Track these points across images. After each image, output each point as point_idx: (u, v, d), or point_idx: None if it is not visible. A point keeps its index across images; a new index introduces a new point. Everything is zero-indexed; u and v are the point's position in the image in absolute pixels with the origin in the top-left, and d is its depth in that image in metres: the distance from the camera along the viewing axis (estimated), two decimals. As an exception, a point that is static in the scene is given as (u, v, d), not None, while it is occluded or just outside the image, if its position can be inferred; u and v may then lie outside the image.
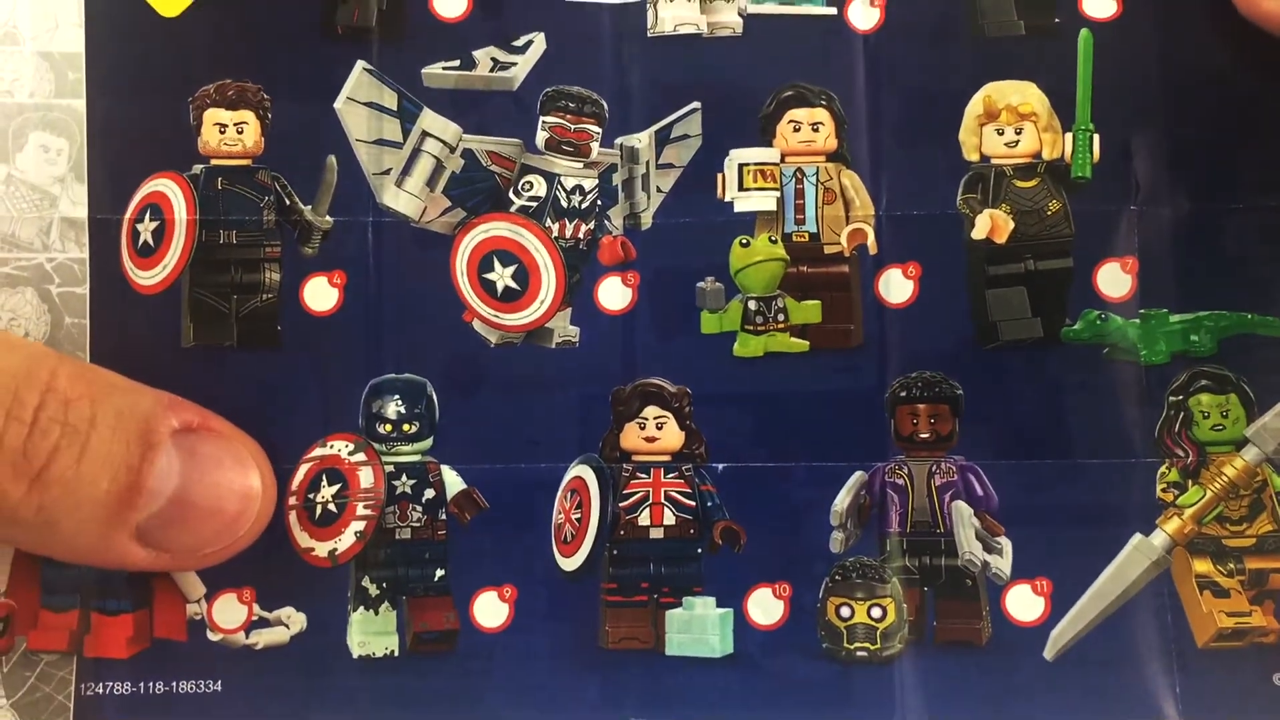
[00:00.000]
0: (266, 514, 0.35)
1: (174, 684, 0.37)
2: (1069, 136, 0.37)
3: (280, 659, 0.37)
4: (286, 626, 0.36)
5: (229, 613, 0.37)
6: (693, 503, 0.37)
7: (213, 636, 0.37)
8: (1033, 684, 0.35)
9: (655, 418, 0.37)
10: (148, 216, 0.37)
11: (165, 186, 0.37)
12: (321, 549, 0.36)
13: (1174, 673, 0.35)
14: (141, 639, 0.37)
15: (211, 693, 0.36)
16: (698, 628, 0.36)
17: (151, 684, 0.36)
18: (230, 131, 0.37)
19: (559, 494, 0.36)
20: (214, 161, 0.38)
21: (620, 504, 0.37)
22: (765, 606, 0.36)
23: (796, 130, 0.37)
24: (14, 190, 0.37)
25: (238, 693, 0.37)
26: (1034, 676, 0.35)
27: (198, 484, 0.32)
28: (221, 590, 0.37)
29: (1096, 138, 0.37)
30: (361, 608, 0.37)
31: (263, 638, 0.37)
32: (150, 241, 0.37)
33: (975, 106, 0.37)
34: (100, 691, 0.36)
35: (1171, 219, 0.37)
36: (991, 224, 0.37)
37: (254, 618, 0.37)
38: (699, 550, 0.37)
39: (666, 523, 0.37)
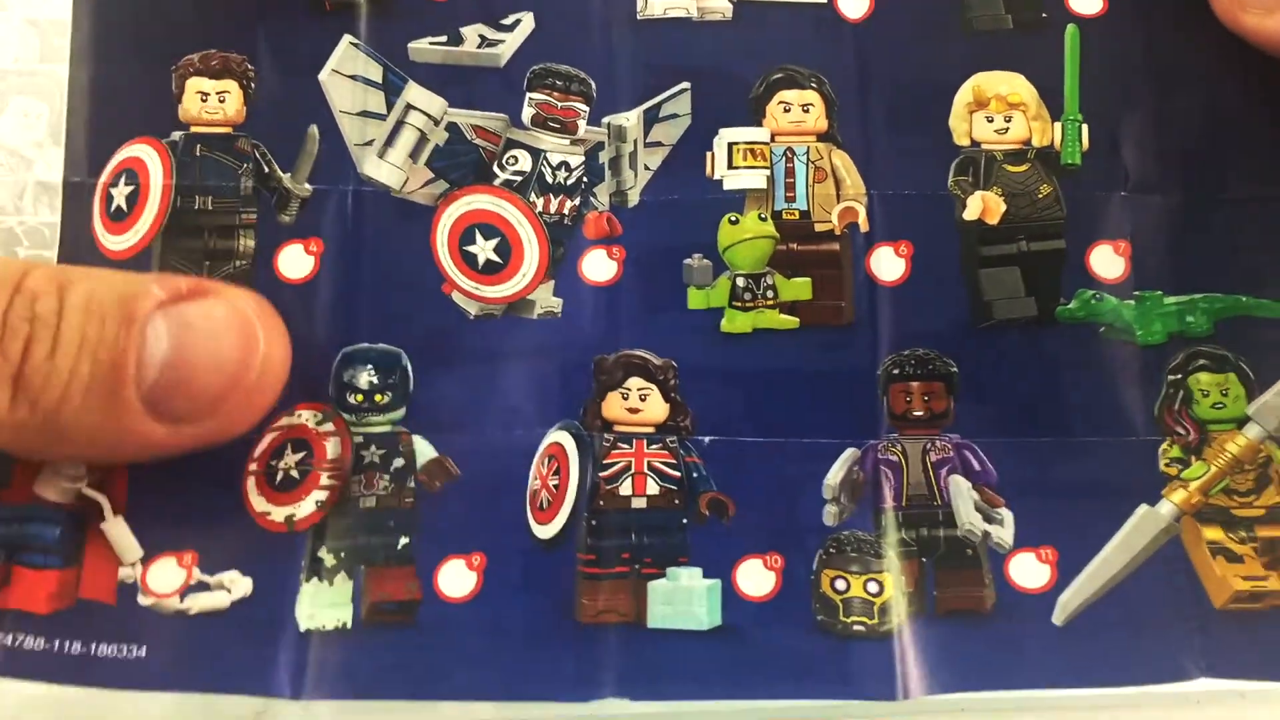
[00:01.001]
0: (279, 366, 0.36)
1: (93, 646, 0.37)
2: (1058, 125, 0.39)
3: (215, 626, 0.37)
4: (227, 591, 0.37)
5: (165, 576, 0.37)
6: (678, 474, 0.38)
7: (144, 600, 0.37)
8: (1044, 649, 0.36)
9: (639, 389, 0.38)
10: (122, 181, 0.39)
11: (142, 151, 0.39)
12: (278, 514, 0.37)
13: (1194, 634, 0.36)
14: (65, 597, 0.37)
15: (134, 658, 0.37)
16: (682, 599, 0.36)
17: (69, 644, 0.37)
18: (212, 100, 0.40)
19: (535, 460, 0.37)
20: (194, 129, 0.39)
21: (601, 473, 0.37)
22: (755, 578, 0.37)
23: (787, 111, 0.40)
24: (-12, 154, 0.39)
25: (163, 659, 0.37)
26: (1045, 642, 0.36)
27: (192, 346, 0.34)
28: (161, 553, 0.38)
29: (1085, 127, 0.39)
30: (315, 578, 0.37)
31: (198, 602, 0.37)
32: (124, 206, 0.39)
33: (965, 95, 0.40)
34: (9, 644, 0.36)
35: (1162, 205, 0.39)
36: (984, 205, 0.39)
37: (192, 582, 0.36)
38: (684, 521, 0.38)
39: (650, 493, 0.38)
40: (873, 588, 0.37)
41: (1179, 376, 0.39)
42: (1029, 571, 0.37)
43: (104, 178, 0.40)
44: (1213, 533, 0.37)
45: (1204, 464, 0.38)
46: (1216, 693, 0.37)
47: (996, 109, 0.41)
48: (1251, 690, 0.36)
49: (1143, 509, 0.37)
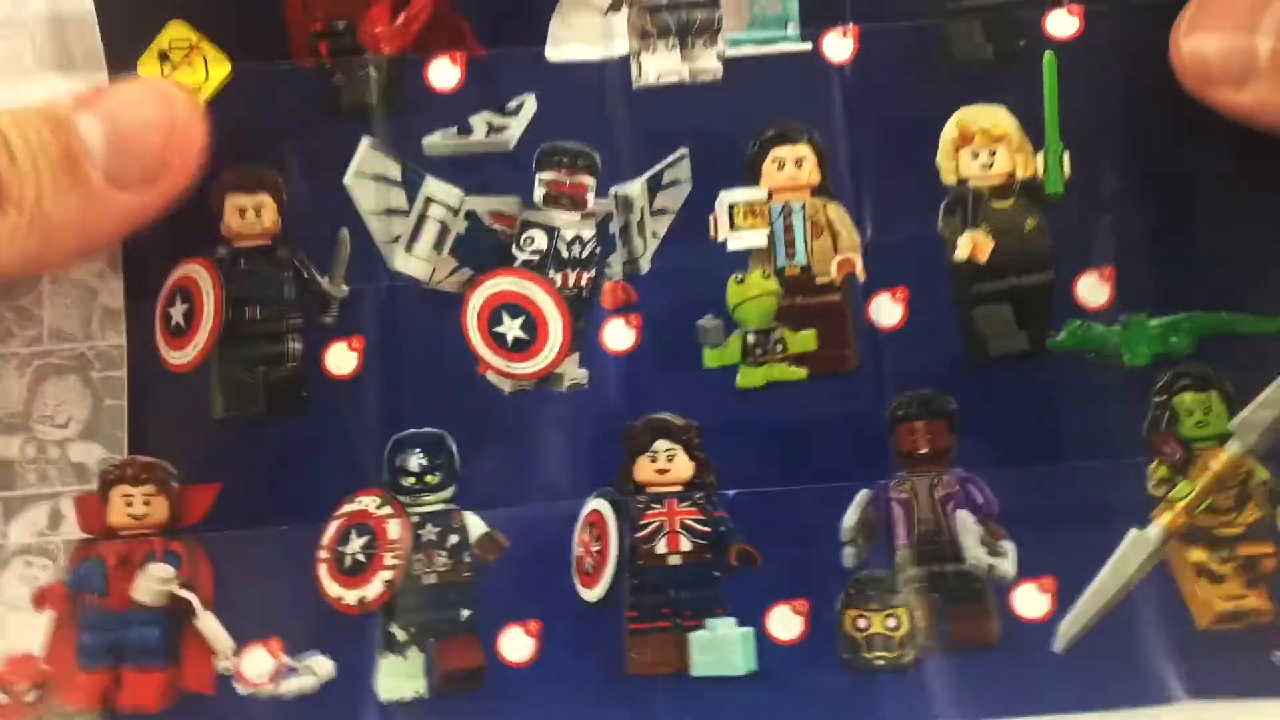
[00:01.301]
0: (197, 115, 0.41)
1: None
2: (1040, 155, 0.42)
3: (308, 706, 0.42)
4: (315, 675, 0.41)
5: (256, 664, 0.42)
6: (708, 529, 0.42)
7: (240, 689, 0.42)
8: (1047, 676, 0.40)
9: (665, 450, 0.42)
10: (178, 299, 0.43)
11: (194, 271, 0.43)
12: (350, 597, 0.41)
13: (1178, 656, 0.40)
14: (171, 694, 0.42)
15: None
16: (721, 648, 0.41)
17: None
18: (250, 214, 0.44)
19: (577, 528, 0.42)
20: (237, 244, 0.44)
21: (637, 534, 0.42)
22: (785, 623, 0.41)
23: (781, 168, 0.43)
24: (60, 289, 0.44)
25: None
26: (1047, 669, 0.40)
27: (123, 118, 0.39)
28: (249, 643, 0.42)
29: (1067, 155, 0.42)
30: (389, 653, 0.42)
31: (291, 687, 0.42)
32: (181, 323, 0.43)
33: (950, 131, 0.43)
34: None
35: (1143, 227, 0.42)
36: (973, 245, 0.42)
37: (282, 668, 0.41)
38: (716, 574, 0.42)
39: (683, 549, 0.42)
40: (891, 623, 0.41)
41: (1164, 397, 0.42)
42: (1031, 601, 0.42)
43: (161, 298, 0.44)
44: (1196, 554, 0.41)
45: (1189, 483, 0.41)
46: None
47: (981, 143, 0.44)
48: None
49: (1133, 533, 0.41)
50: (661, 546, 0.42)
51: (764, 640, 0.42)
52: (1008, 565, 0.41)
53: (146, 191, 0.40)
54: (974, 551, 0.41)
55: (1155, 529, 0.41)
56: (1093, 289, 0.42)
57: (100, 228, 0.40)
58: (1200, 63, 0.40)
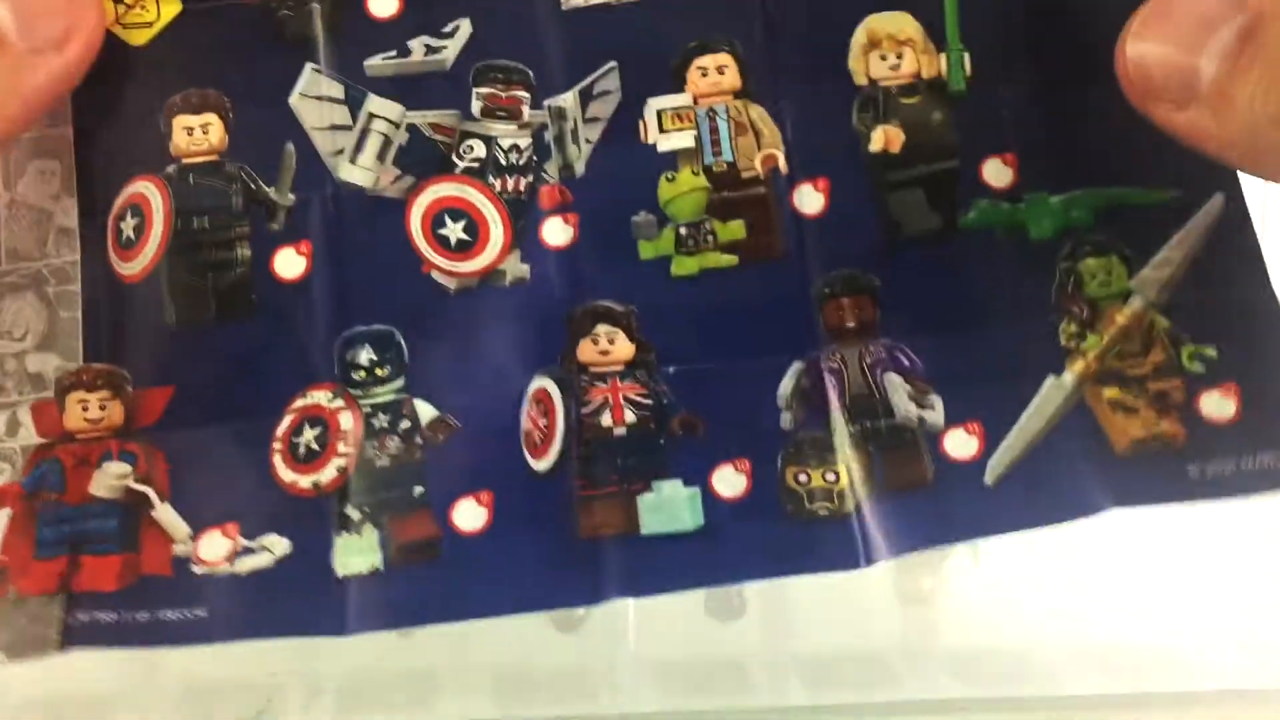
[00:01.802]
0: None
1: (159, 612, 0.43)
2: (943, 56, 0.47)
3: (264, 582, 0.44)
4: (270, 552, 0.43)
5: (213, 547, 0.44)
6: (650, 402, 0.45)
7: (197, 569, 0.44)
8: (979, 507, 0.43)
9: (606, 333, 0.45)
10: (129, 215, 0.46)
11: (143, 187, 0.46)
12: (305, 481, 0.44)
13: (1102, 476, 0.43)
14: (129, 576, 0.44)
15: (196, 618, 0.43)
16: (668, 507, 0.44)
17: (137, 613, 0.43)
18: (197, 133, 0.47)
19: (525, 406, 0.45)
20: (185, 161, 0.47)
21: (583, 410, 0.45)
22: (729, 481, 0.44)
23: (704, 75, 0.47)
24: (16, 213, 0.46)
25: (221, 616, 0.43)
26: (979, 501, 0.43)
27: None
28: (206, 528, 0.44)
29: (967, 56, 0.47)
30: (344, 532, 0.44)
31: (246, 564, 0.44)
32: (132, 236, 0.46)
33: (859, 37, 0.47)
34: (86, 620, 0.43)
35: (1040, 117, 0.46)
36: (885, 137, 0.47)
37: (238, 548, 0.43)
38: (661, 442, 0.45)
39: (628, 421, 0.45)
40: (830, 477, 0.45)
41: (1069, 264, 0.46)
42: (960, 444, 0.45)
43: (113, 214, 0.47)
44: (1111, 392, 0.45)
45: (1098, 336, 0.46)
46: (1220, 693, 0.43)
47: (888, 47, 0.48)
48: (1251, 691, 0.44)
49: (1050, 379, 0.45)
50: (607, 420, 0.45)
51: (709, 498, 0.44)
52: (936, 416, 0.45)
53: (65, 51, 0.43)
54: (904, 406, 0.45)
55: (1070, 375, 0.44)
56: (997, 172, 0.46)
57: (32, 90, 0.43)
58: (1143, 74, 0.42)
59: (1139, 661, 0.48)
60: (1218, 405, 0.44)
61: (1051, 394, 0.44)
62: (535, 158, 0.47)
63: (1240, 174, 0.45)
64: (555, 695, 0.47)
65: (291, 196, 0.46)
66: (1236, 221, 0.45)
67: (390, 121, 0.47)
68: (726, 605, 0.53)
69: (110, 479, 0.44)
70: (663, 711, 0.44)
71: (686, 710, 0.45)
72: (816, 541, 0.43)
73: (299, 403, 0.45)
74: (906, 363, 0.45)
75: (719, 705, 0.46)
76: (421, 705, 0.46)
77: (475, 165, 0.47)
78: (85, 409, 0.45)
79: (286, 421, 0.44)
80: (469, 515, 0.43)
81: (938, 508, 0.43)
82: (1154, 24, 0.41)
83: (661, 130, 0.47)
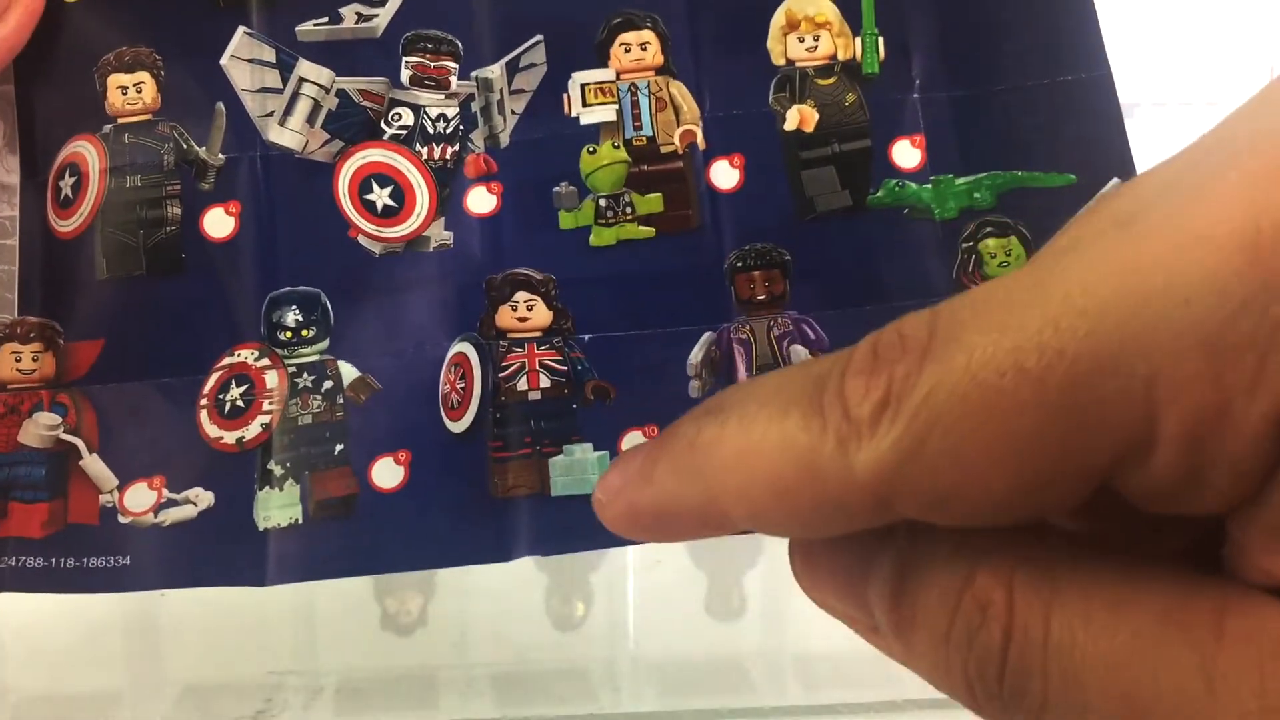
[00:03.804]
0: None
1: (84, 560, 0.45)
2: (858, 40, 0.49)
3: (187, 533, 0.45)
4: (194, 504, 0.45)
5: (139, 498, 0.45)
6: (564, 368, 0.47)
7: (123, 519, 0.45)
8: None
9: (525, 300, 0.47)
10: (67, 174, 0.47)
11: (81, 146, 0.47)
12: (229, 437, 0.45)
13: None
14: (56, 523, 0.45)
15: (120, 566, 0.45)
16: (578, 469, 0.46)
17: (63, 560, 0.45)
18: (131, 92, 0.48)
19: (443, 368, 0.46)
20: (120, 120, 0.48)
21: (500, 374, 0.46)
22: (637, 445, 0.46)
23: (628, 51, 0.49)
24: (-42, 168, 0.47)
25: (144, 564, 0.45)
26: None
27: None
28: (133, 480, 0.46)
29: (881, 40, 0.49)
30: (267, 487, 0.45)
31: (170, 515, 0.45)
32: (70, 194, 0.47)
33: (778, 19, 0.49)
34: (13, 564, 0.45)
35: (948, 101, 0.48)
36: (800, 116, 0.48)
37: (163, 500, 0.45)
38: (574, 406, 0.46)
39: (543, 386, 0.47)
40: (734, 442, 0.47)
41: (971, 244, 0.48)
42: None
43: (52, 172, 0.48)
44: None
45: (994, 312, 0.48)
46: None
47: (806, 30, 0.50)
48: None
49: None
50: (522, 384, 0.47)
51: None
52: (836, 387, 0.47)
53: (6, 19, 0.45)
54: (806, 377, 0.47)
55: (965, 349, 0.47)
56: (906, 153, 0.48)
57: None
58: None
59: None
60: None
61: (949, 365, 0.45)
62: (462, 127, 0.48)
63: (1135, 160, 0.47)
64: (555, 695, 0.48)
65: (221, 157, 0.47)
66: (1130, 207, 0.47)
67: (320, 86, 0.48)
68: (726, 605, 0.54)
69: (40, 429, 0.45)
70: (663, 711, 0.46)
71: (686, 710, 0.46)
72: None
73: (226, 360, 0.46)
74: (812, 335, 0.47)
75: (719, 705, 0.47)
76: (421, 705, 0.47)
77: (403, 133, 0.48)
78: (18, 360, 0.46)
79: (214, 378, 0.46)
80: (387, 473, 0.45)
81: None
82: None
83: (585, 104, 0.48)
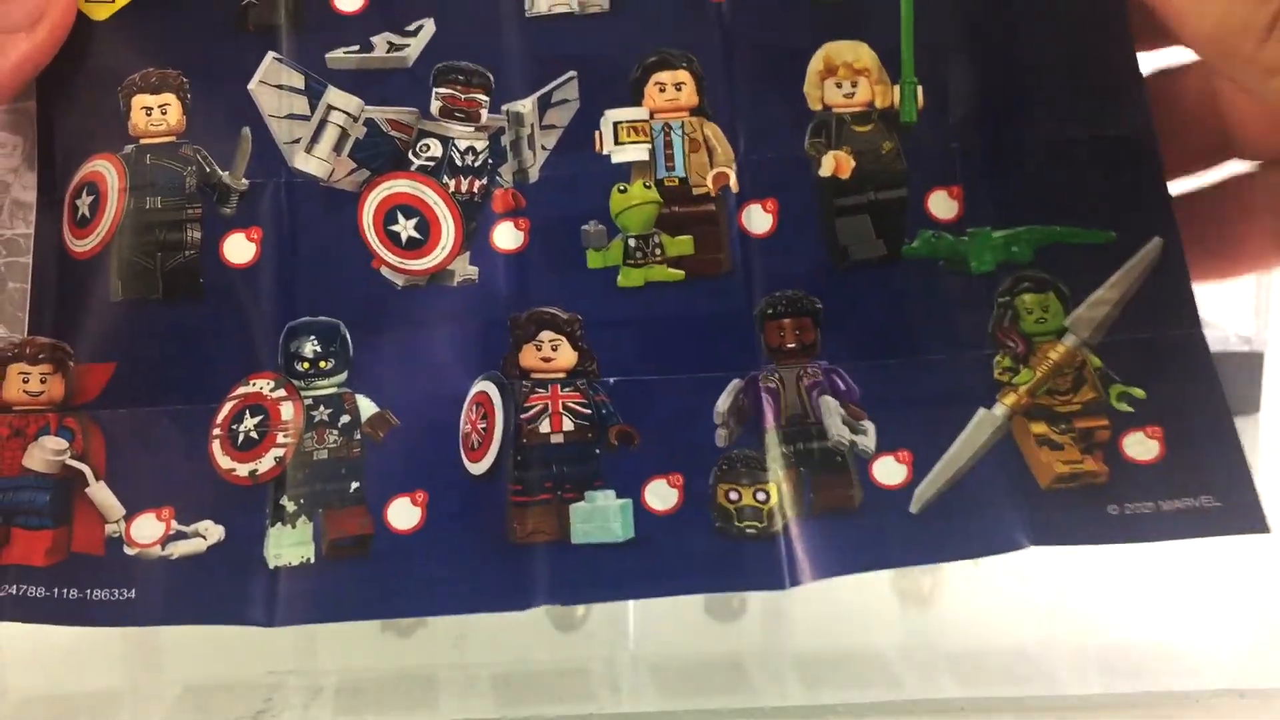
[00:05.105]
0: None
1: (88, 591, 0.43)
2: (897, 88, 0.48)
3: (195, 568, 0.43)
4: (204, 538, 0.43)
5: (146, 529, 0.44)
6: (589, 411, 0.45)
7: (129, 551, 0.44)
8: (903, 535, 0.44)
9: (550, 340, 0.46)
10: (85, 193, 0.45)
11: (101, 165, 0.46)
12: (242, 469, 0.44)
13: (1023, 511, 0.44)
14: (60, 552, 0.44)
15: (125, 599, 0.43)
16: (600, 517, 0.44)
17: (66, 590, 0.43)
18: (155, 113, 0.46)
19: (465, 407, 0.45)
20: (143, 141, 0.46)
21: (522, 415, 0.45)
22: (661, 495, 0.44)
23: (662, 91, 0.48)
24: (-30, 183, 0.46)
25: (151, 599, 0.43)
26: (904, 529, 0.44)
27: None
28: (140, 510, 0.44)
29: (920, 88, 0.47)
30: (279, 523, 0.44)
31: (179, 548, 0.43)
32: (87, 214, 0.45)
33: (816, 64, 0.48)
34: (14, 593, 0.43)
35: (987, 153, 0.47)
36: (836, 163, 0.47)
37: (171, 532, 0.43)
38: (597, 451, 0.45)
39: (566, 429, 0.45)
40: (761, 496, 0.45)
41: (1007, 298, 0.47)
42: (889, 471, 0.46)
43: (69, 190, 0.46)
44: (1038, 427, 0.46)
45: (1030, 371, 0.46)
46: (1220, 693, 0.44)
47: (844, 76, 0.49)
48: (1251, 691, 0.44)
49: (981, 411, 0.46)
50: (545, 426, 0.46)
51: (641, 510, 0.45)
52: (868, 441, 0.45)
53: (35, 33, 0.44)
54: (837, 429, 0.45)
55: (1000, 408, 0.45)
56: (943, 204, 0.47)
57: (3, 69, 0.44)
58: None
59: (1139, 661, 0.49)
60: (1142, 446, 0.45)
61: (981, 426, 0.44)
62: (490, 161, 0.47)
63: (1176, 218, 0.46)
64: (555, 695, 0.47)
65: (245, 182, 0.46)
66: (1172, 265, 0.46)
67: (348, 114, 0.47)
68: (726, 605, 0.53)
69: (46, 453, 0.44)
70: (663, 711, 0.45)
71: (686, 710, 0.45)
72: (743, 560, 0.43)
73: (241, 390, 0.44)
74: (843, 386, 0.45)
75: (719, 705, 0.46)
76: (421, 705, 0.46)
77: (430, 164, 0.47)
78: (26, 381, 0.45)
79: (227, 408, 0.44)
80: (403, 514, 0.44)
81: (864, 534, 0.44)
82: None
83: (617, 142, 0.47)
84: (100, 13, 0.47)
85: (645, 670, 0.50)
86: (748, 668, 0.51)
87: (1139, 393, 0.45)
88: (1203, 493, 0.44)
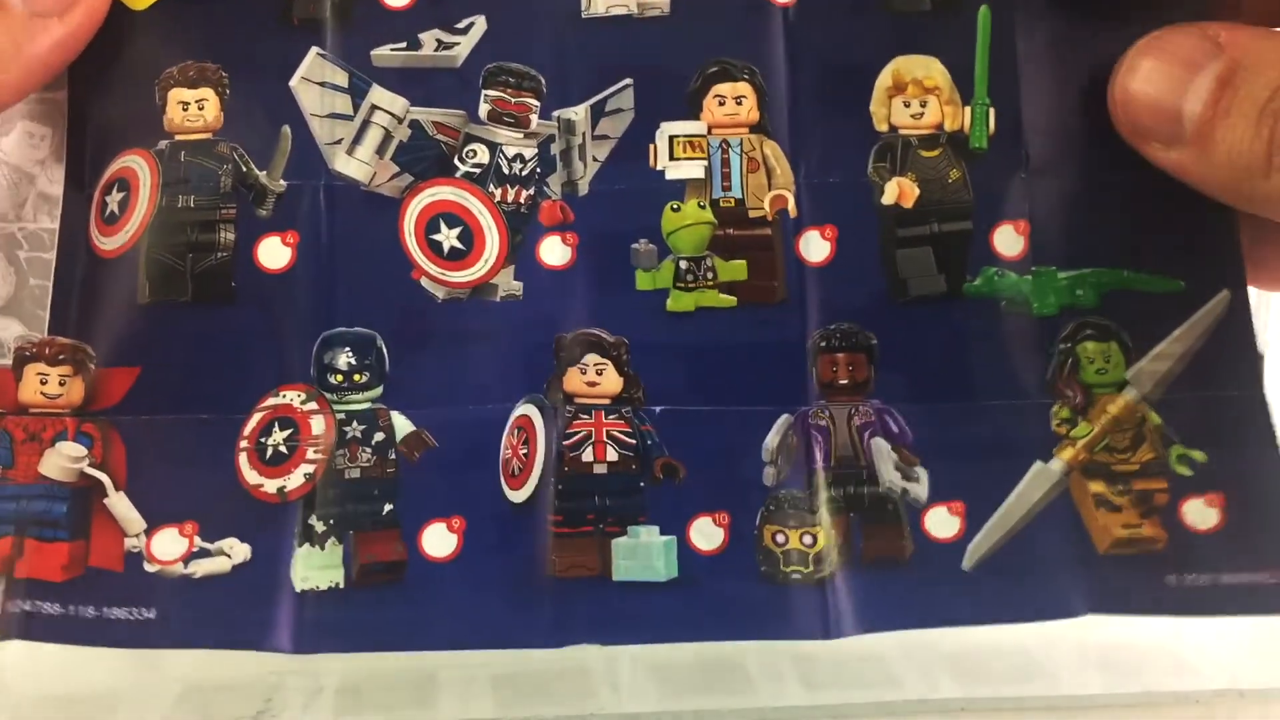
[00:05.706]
0: None
1: (105, 609, 0.42)
2: (968, 110, 0.45)
3: (219, 588, 0.42)
4: (228, 556, 0.41)
5: (168, 545, 0.42)
6: (633, 441, 0.43)
7: (149, 567, 0.42)
8: (955, 592, 0.42)
9: (595, 364, 0.44)
10: (115, 189, 0.43)
11: (133, 161, 0.44)
12: (270, 485, 0.42)
13: (1080, 576, 0.42)
14: (76, 567, 0.42)
15: (144, 619, 0.42)
16: (643, 554, 0.42)
17: (82, 608, 0.41)
18: (192, 109, 0.44)
19: (506, 431, 0.43)
20: (178, 137, 0.44)
21: (564, 442, 0.43)
22: (706, 534, 0.43)
23: (721, 104, 0.45)
24: (-3, 169, 0.43)
25: (171, 619, 0.42)
26: (955, 585, 0.42)
27: None
28: (162, 524, 0.42)
29: (992, 111, 0.45)
30: (307, 544, 0.42)
31: (202, 567, 0.42)
32: (116, 211, 0.43)
33: (884, 80, 0.45)
34: (28, 609, 0.41)
35: (1057, 188, 0.45)
36: (900, 191, 0.45)
37: (194, 549, 0.41)
38: (641, 484, 0.43)
39: (609, 459, 0.43)
40: (808, 540, 0.43)
41: (1068, 345, 0.45)
42: (942, 523, 0.44)
43: (100, 186, 0.44)
44: (1096, 486, 0.44)
45: (1089, 424, 0.44)
46: (1219, 693, 0.43)
47: (913, 94, 0.46)
48: (1251, 691, 0.43)
49: (1037, 465, 0.44)
50: (588, 455, 0.44)
51: (685, 549, 0.43)
52: (920, 489, 0.43)
53: (69, 17, 0.42)
54: (889, 475, 0.43)
55: (1058, 463, 0.43)
56: (1008, 240, 0.45)
57: (34, 55, 0.41)
58: (1131, 114, 0.43)
59: (1139, 661, 0.48)
60: (1201, 514, 0.43)
61: (1037, 480, 0.43)
62: (539, 170, 0.45)
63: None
64: (555, 695, 0.46)
65: (283, 183, 0.44)
66: (1239, 321, 0.44)
67: (393, 115, 0.45)
68: None
69: (63, 460, 0.42)
70: (663, 711, 0.44)
71: (686, 710, 0.44)
72: (787, 607, 0.42)
73: (270, 401, 0.43)
74: (896, 429, 0.43)
75: (719, 705, 0.45)
76: (421, 705, 0.45)
77: (477, 171, 0.45)
78: (44, 383, 0.43)
79: (255, 419, 0.42)
80: (438, 541, 0.42)
81: (913, 588, 0.42)
82: (1141, 66, 0.42)
83: (672, 157, 0.45)
84: (139, 3, 0.44)
85: (645, 670, 0.50)
86: (748, 668, 0.50)
87: (1200, 456, 0.44)
88: (1262, 568, 0.42)
